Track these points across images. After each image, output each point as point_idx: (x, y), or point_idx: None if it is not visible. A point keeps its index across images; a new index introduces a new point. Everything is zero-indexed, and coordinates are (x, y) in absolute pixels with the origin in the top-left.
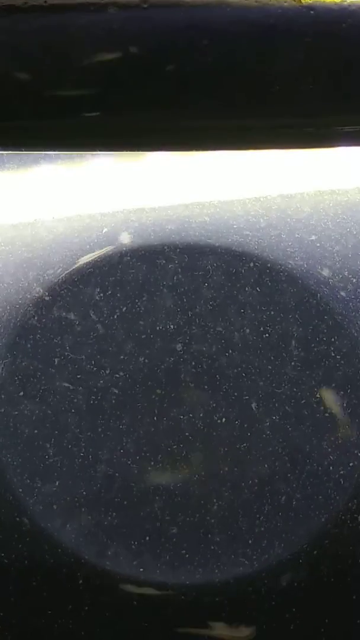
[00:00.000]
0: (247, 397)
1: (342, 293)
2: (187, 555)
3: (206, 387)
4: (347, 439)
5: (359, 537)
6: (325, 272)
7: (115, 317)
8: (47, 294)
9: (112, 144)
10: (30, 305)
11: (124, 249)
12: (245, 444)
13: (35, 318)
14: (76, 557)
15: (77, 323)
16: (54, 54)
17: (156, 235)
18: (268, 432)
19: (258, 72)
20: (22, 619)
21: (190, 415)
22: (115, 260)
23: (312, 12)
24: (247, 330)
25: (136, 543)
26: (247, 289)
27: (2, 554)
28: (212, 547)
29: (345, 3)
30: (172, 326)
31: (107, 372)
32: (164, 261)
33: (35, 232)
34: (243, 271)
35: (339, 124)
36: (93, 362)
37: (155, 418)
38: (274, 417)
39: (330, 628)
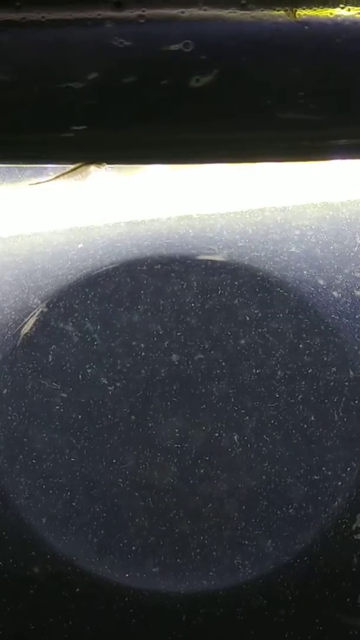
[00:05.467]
0: (242, 407)
1: (337, 303)
2: (182, 564)
3: (202, 396)
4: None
5: (351, 545)
6: (321, 283)
7: (112, 328)
8: (44, 305)
9: (108, 157)
10: (28, 316)
11: (121, 261)
12: (240, 453)
13: (33, 329)
14: (72, 566)
15: (73, 334)
16: (51, 68)
17: (152, 248)
18: (262, 443)
19: (253, 86)
20: (17, 626)
21: (186, 424)
22: (112, 272)
23: (306, 27)
24: (242, 342)
25: (131, 552)
26: (243, 299)
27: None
28: (207, 557)
29: (339, 18)
30: (168, 337)
31: (104, 382)
32: (160, 273)
33: (32, 245)
34: (239, 282)
35: (334, 137)
36: (90, 373)
37: (151, 427)
38: (270, 426)
39: (325, 632)
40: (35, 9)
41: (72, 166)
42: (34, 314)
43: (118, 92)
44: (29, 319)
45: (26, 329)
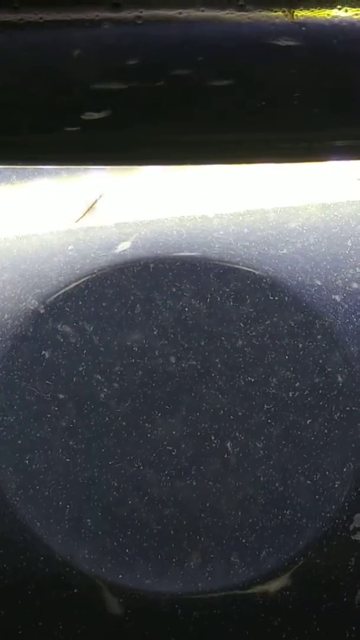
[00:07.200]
0: (239, 407)
1: (334, 304)
2: (178, 567)
3: (198, 397)
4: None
5: (349, 545)
6: (317, 283)
7: (110, 329)
8: (42, 306)
9: (107, 158)
10: (26, 317)
11: (119, 262)
12: (237, 454)
13: (31, 330)
14: (68, 567)
15: (71, 335)
16: (49, 70)
17: (148, 249)
18: (259, 444)
19: (251, 87)
20: (13, 627)
21: (183, 425)
22: (110, 274)
23: (303, 28)
24: (240, 343)
25: (126, 554)
26: (238, 300)
27: None
28: (204, 558)
29: (336, 19)
30: (165, 338)
31: (101, 383)
32: (158, 274)
33: (30, 246)
34: (234, 283)
35: (331, 138)
36: (87, 374)
37: (148, 429)
38: (266, 427)
39: (324, 633)
40: (33, 10)
41: None
42: (31, 314)
43: (115, 93)
44: (25, 320)
45: (23, 329)
